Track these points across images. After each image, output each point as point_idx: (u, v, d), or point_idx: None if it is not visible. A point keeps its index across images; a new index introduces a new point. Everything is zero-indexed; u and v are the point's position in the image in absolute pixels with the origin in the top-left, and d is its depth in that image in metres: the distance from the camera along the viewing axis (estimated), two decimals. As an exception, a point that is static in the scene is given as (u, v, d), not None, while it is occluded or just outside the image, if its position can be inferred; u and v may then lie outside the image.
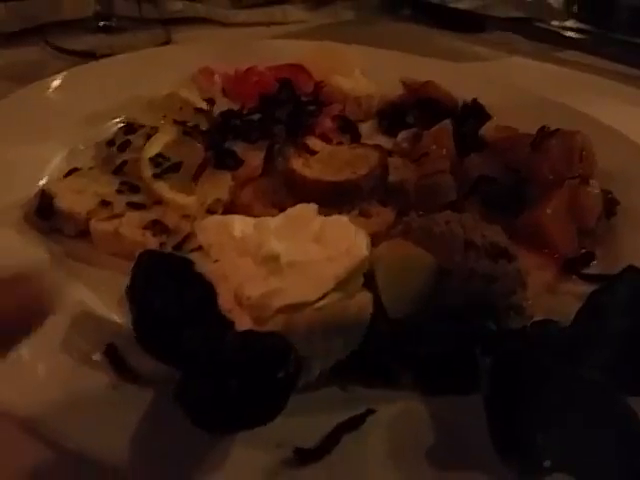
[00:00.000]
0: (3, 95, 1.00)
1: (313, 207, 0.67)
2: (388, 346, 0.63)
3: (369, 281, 0.63)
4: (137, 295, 0.61)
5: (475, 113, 1.09)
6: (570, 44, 1.58)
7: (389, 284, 0.61)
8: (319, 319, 0.59)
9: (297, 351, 0.51)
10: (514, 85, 1.19)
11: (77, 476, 0.54)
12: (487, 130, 1.00)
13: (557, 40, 1.60)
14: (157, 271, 0.62)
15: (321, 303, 0.59)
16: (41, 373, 0.59)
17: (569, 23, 1.65)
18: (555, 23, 1.65)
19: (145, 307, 0.60)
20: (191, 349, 0.57)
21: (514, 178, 0.89)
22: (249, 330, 0.57)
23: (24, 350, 0.60)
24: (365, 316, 0.61)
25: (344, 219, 0.65)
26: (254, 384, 0.50)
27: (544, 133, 0.94)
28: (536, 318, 0.69)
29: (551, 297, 0.78)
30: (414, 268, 0.62)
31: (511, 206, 0.86)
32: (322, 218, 0.66)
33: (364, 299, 0.62)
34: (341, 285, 0.60)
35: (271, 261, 0.60)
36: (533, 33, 1.63)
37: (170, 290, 0.60)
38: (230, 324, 0.60)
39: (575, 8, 1.68)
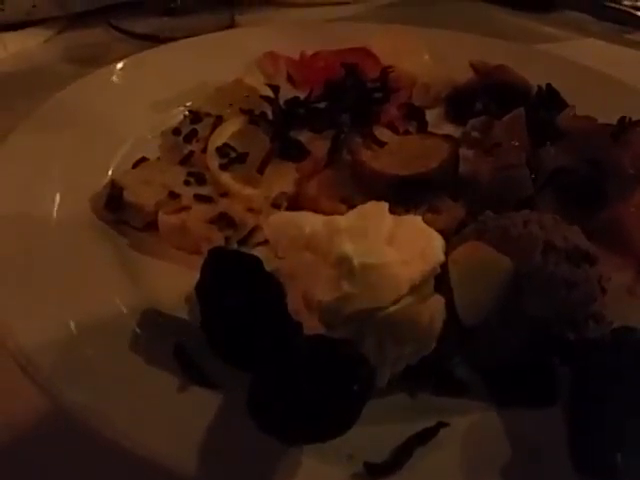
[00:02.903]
0: (67, 78, 1.01)
1: (384, 206, 0.65)
2: (460, 354, 0.61)
3: (442, 284, 0.61)
4: (207, 295, 0.60)
5: (550, 100, 1.03)
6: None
7: (464, 289, 0.59)
8: (391, 324, 0.57)
9: (369, 362, 0.50)
10: (592, 69, 1.12)
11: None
12: (563, 119, 0.95)
13: (629, 20, 1.51)
14: (227, 270, 0.61)
15: (394, 308, 0.57)
16: (107, 372, 0.58)
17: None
18: (627, 3, 1.56)
19: (216, 307, 0.59)
20: (261, 354, 0.56)
21: (593, 171, 0.84)
22: (320, 336, 0.55)
23: (90, 348, 0.60)
24: (438, 322, 0.59)
25: (418, 219, 0.62)
26: (327, 396, 0.48)
27: (625, 123, 0.88)
28: (615, 325, 0.65)
29: (631, 301, 0.74)
30: (490, 272, 0.59)
31: (589, 201, 0.82)
32: (394, 218, 0.64)
33: (437, 304, 0.59)
34: (415, 289, 0.58)
35: (343, 263, 0.58)
36: (604, 13, 1.55)
37: (240, 290, 0.60)
38: (299, 327, 0.59)
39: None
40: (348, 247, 0.58)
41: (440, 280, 0.61)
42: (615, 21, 1.52)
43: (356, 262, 0.57)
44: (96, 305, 0.65)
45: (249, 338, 0.58)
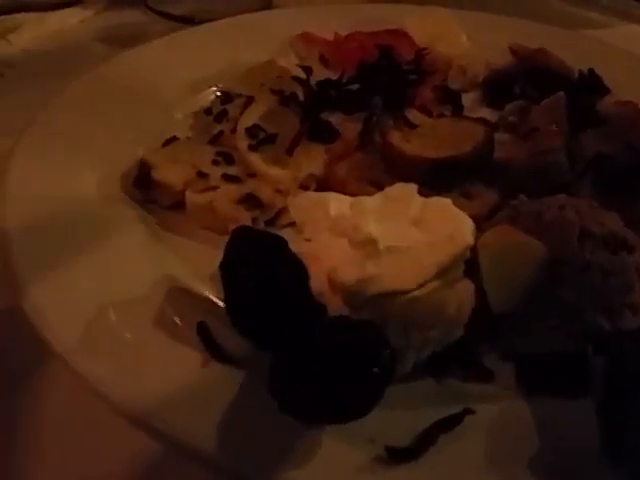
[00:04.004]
0: (103, 58, 1.02)
1: (413, 187, 0.63)
2: (489, 341, 0.60)
3: (471, 269, 0.59)
4: (230, 274, 0.60)
5: (592, 86, 1.00)
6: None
7: (494, 274, 0.57)
8: (417, 309, 0.55)
9: (392, 345, 0.48)
10: (635, 55, 1.08)
11: (163, 457, 0.54)
12: (604, 105, 0.92)
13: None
14: (251, 249, 0.60)
15: (420, 292, 0.55)
16: (131, 347, 0.58)
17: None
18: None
19: (238, 286, 0.59)
20: (283, 333, 0.55)
21: (633, 159, 0.81)
22: (342, 317, 0.54)
23: (116, 323, 0.60)
24: (466, 308, 0.58)
25: (447, 201, 0.60)
26: (348, 378, 0.47)
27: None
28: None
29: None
30: (522, 258, 0.57)
31: (629, 189, 0.78)
32: (422, 199, 0.62)
33: (465, 289, 0.58)
34: (441, 273, 0.56)
35: (368, 245, 0.56)
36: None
37: (264, 270, 0.59)
38: (322, 308, 0.58)
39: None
40: (373, 229, 0.57)
41: (470, 265, 0.59)
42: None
43: (381, 244, 0.56)
44: (123, 282, 0.65)
45: (272, 318, 0.57)
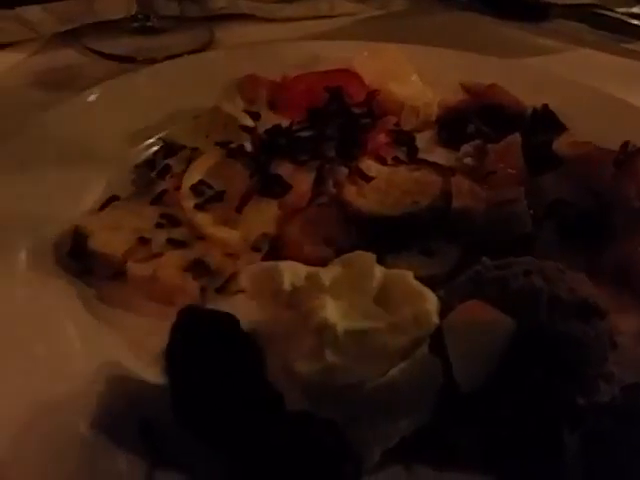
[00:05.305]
0: (37, 104, 0.96)
1: (372, 257, 0.59)
2: (458, 423, 0.55)
3: (436, 345, 0.55)
4: (176, 363, 0.54)
5: (547, 122, 0.98)
6: (638, 33, 1.44)
7: (461, 353, 0.53)
8: (382, 398, 0.51)
9: (356, 456, 0.44)
10: (590, 87, 1.07)
11: None
12: (561, 145, 0.89)
13: (624, 29, 1.46)
14: (199, 333, 0.56)
15: (384, 380, 0.51)
16: (66, 457, 0.52)
17: (637, 9, 1.51)
18: (621, 10, 1.51)
19: (185, 377, 0.53)
20: (238, 432, 0.50)
21: (596, 204, 0.79)
22: (302, 416, 0.49)
23: (47, 428, 0.54)
24: (434, 388, 0.53)
25: (409, 275, 0.56)
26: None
27: (628, 150, 0.83)
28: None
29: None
30: (491, 335, 0.53)
31: (594, 237, 0.76)
32: (383, 271, 0.58)
33: (432, 369, 0.53)
34: (406, 356, 0.52)
35: (326, 330, 0.52)
36: (598, 21, 1.49)
37: (215, 357, 0.54)
38: (279, 399, 0.53)
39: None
40: (331, 312, 0.52)
41: (434, 340, 0.55)
42: (610, 30, 1.47)
43: (340, 329, 0.51)
44: (57, 372, 0.59)
45: (225, 412, 0.52)
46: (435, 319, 0.53)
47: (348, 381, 0.50)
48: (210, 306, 0.67)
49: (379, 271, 0.57)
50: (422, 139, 0.98)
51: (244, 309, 0.61)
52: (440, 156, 0.94)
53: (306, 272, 0.60)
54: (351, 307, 0.54)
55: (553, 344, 0.54)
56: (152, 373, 0.61)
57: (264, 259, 0.74)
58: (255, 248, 0.74)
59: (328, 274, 0.58)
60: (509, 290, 0.57)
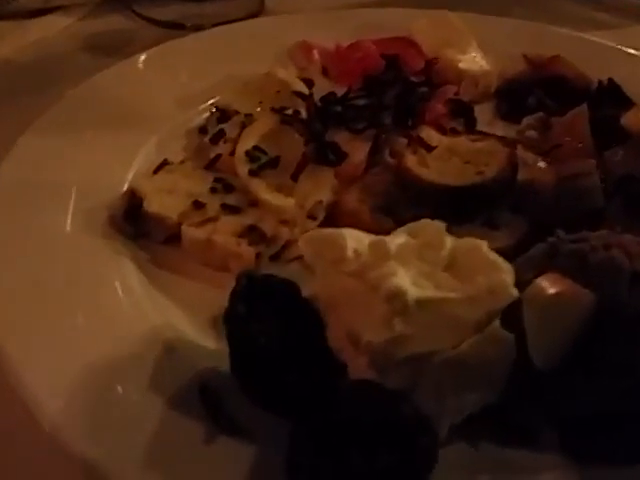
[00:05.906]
0: (87, 69, 0.95)
1: (441, 226, 0.56)
2: (531, 401, 0.53)
3: (510, 319, 0.52)
4: (236, 329, 0.52)
5: (613, 96, 0.93)
6: None
7: (539, 329, 0.50)
8: (452, 370, 0.49)
9: (432, 428, 0.42)
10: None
11: None
12: (629, 119, 0.85)
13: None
14: (259, 299, 0.54)
15: (455, 352, 0.48)
16: (123, 418, 0.51)
17: None
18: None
19: (246, 344, 0.52)
20: (300, 399, 0.48)
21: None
22: (370, 384, 0.47)
23: (104, 389, 0.53)
24: (506, 365, 0.51)
25: (482, 244, 0.53)
26: (382, 468, 0.40)
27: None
28: None
29: None
30: (571, 310, 0.50)
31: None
32: (453, 240, 0.55)
33: (505, 344, 0.51)
34: (479, 329, 0.49)
35: (396, 299, 0.49)
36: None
37: (275, 324, 0.52)
38: (343, 368, 0.51)
39: None
40: (401, 279, 0.50)
41: (508, 314, 0.52)
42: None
43: (411, 297, 0.49)
44: (111, 336, 0.58)
45: (286, 380, 0.50)
46: (512, 291, 0.50)
47: (417, 352, 0.48)
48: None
49: (449, 240, 0.54)
50: (481, 111, 0.94)
51: (298, 277, 0.59)
52: (499, 128, 0.90)
53: (369, 240, 0.57)
54: (421, 276, 0.51)
55: (632, 323, 0.51)
56: (208, 338, 0.59)
57: (320, 227, 0.72)
58: (311, 216, 0.72)
59: (394, 242, 0.55)
60: (588, 264, 0.54)
